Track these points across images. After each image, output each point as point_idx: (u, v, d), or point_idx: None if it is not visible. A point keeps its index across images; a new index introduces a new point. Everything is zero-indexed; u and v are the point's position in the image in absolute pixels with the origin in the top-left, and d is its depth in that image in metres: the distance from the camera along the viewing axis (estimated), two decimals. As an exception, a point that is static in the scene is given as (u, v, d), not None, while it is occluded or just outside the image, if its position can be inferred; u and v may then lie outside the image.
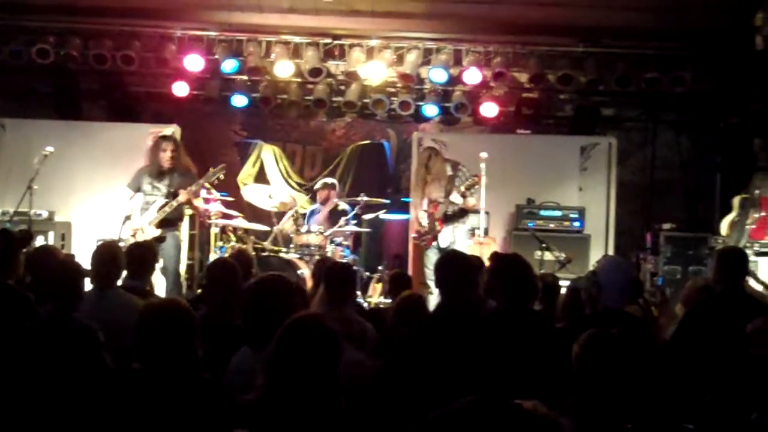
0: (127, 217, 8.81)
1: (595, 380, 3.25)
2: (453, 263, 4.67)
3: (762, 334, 3.11)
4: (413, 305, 5.10)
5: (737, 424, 3.28)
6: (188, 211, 9.40)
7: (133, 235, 8.52)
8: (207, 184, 9.01)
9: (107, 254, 5.34)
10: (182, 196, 8.62)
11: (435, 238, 8.87)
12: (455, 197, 8.76)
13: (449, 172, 8.98)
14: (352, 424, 3.06)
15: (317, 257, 9.05)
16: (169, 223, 8.78)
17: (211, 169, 8.95)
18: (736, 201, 9.68)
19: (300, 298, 4.40)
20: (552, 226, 9.90)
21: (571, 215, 10.00)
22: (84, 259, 5.64)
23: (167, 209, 8.64)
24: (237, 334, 4.39)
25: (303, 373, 3.02)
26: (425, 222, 8.92)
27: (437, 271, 4.65)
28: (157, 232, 8.55)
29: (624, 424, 3.03)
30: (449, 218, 8.88)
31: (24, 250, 5.69)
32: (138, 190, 8.86)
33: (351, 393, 3.20)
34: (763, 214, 9.21)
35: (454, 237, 8.86)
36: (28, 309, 4.70)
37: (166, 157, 8.76)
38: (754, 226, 9.21)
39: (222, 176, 9.05)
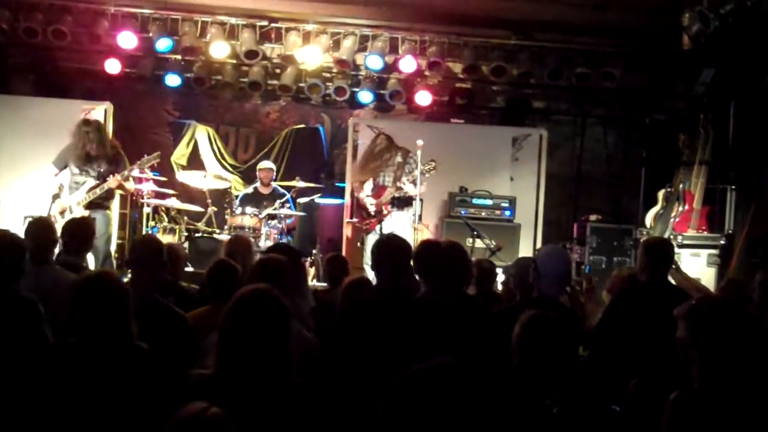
0: (56, 195, 8.67)
1: (533, 359, 3.35)
2: (393, 245, 4.68)
3: (685, 319, 3.25)
4: (362, 287, 5.19)
5: (662, 406, 3.42)
6: (119, 191, 9.29)
7: (61, 213, 8.41)
8: (139, 163, 8.90)
9: (42, 229, 5.29)
10: (112, 182, 8.52)
11: (380, 221, 8.94)
12: (407, 185, 8.84)
13: (399, 159, 9.07)
14: (304, 396, 3.08)
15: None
16: (100, 201, 8.68)
17: (145, 156, 8.83)
18: (660, 194, 9.94)
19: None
20: (483, 214, 10.09)
21: (502, 204, 10.20)
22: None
23: (97, 191, 8.54)
24: (159, 308, 4.43)
25: (255, 346, 3.01)
26: (372, 208, 8.97)
27: (377, 253, 4.67)
28: (85, 213, 8.42)
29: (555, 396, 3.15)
30: (396, 204, 8.95)
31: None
32: (64, 167, 8.71)
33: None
34: (686, 207, 9.51)
35: (398, 223, 8.97)
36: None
37: (90, 145, 8.59)
38: (677, 219, 9.48)
39: (155, 163, 8.99)
